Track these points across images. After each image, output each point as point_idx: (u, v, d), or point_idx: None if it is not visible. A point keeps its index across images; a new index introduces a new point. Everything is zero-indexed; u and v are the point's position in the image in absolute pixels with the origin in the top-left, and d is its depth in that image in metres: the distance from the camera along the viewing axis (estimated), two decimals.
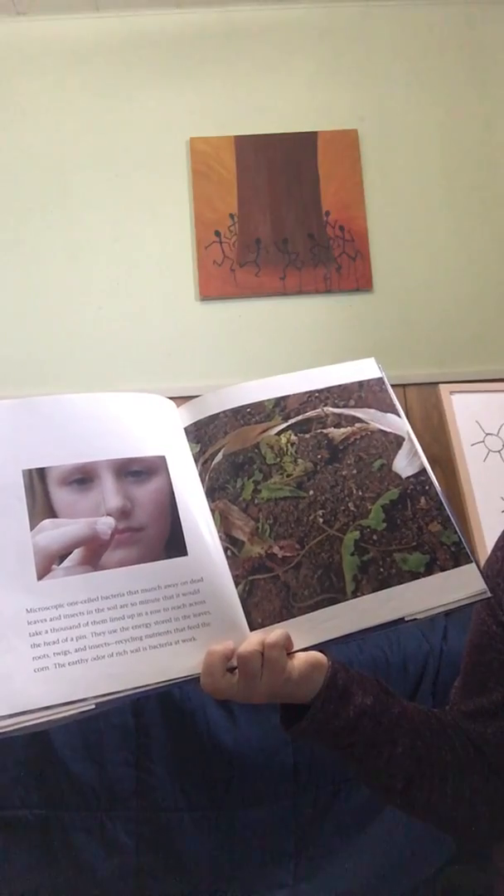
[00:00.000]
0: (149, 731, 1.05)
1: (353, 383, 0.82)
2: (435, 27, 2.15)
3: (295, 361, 1.91)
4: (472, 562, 0.71)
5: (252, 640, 0.66)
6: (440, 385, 1.81)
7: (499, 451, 1.73)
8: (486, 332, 2.05)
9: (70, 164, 2.07)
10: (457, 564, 0.71)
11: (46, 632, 0.64)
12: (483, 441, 1.74)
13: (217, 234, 2.04)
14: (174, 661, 0.66)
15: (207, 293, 2.03)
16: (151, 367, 2.01)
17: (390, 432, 0.78)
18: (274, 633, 0.67)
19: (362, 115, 2.12)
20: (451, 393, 1.80)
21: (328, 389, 0.81)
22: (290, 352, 2.01)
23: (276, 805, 1.05)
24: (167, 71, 2.12)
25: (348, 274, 2.05)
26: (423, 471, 0.76)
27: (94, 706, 0.63)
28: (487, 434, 1.75)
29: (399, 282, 2.06)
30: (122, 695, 0.64)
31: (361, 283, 2.05)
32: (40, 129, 2.08)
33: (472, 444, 1.73)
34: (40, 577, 0.66)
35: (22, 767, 1.03)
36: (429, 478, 0.76)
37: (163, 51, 2.12)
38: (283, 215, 2.06)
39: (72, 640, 0.64)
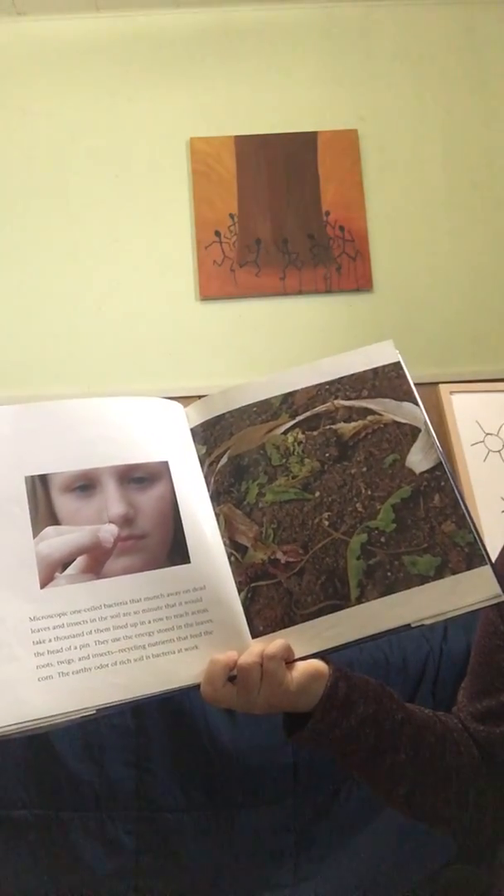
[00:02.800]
0: (149, 732, 1.04)
1: (366, 371, 0.77)
2: (435, 27, 2.15)
3: (295, 361, 1.89)
4: (486, 564, 0.67)
5: (252, 651, 0.66)
6: (440, 385, 1.81)
7: (499, 451, 1.73)
8: (486, 332, 2.05)
9: (70, 164, 2.07)
10: (470, 567, 0.67)
11: (50, 640, 0.64)
12: (483, 441, 1.74)
13: (217, 234, 2.04)
14: (176, 669, 0.66)
15: (207, 293, 2.03)
16: (151, 367, 2.01)
17: (405, 423, 0.74)
18: (273, 644, 0.66)
19: (362, 115, 2.11)
20: (451, 393, 1.80)
21: (339, 381, 0.77)
22: (290, 352, 2.01)
23: (276, 805, 1.05)
24: (167, 71, 2.11)
25: (348, 274, 2.05)
26: (438, 465, 0.72)
27: (94, 712, 0.63)
28: (487, 434, 1.75)
29: (399, 282, 2.06)
30: (123, 701, 0.64)
31: (361, 283, 2.05)
32: (40, 129, 2.08)
33: (472, 444, 1.73)
34: (43, 585, 0.66)
35: (22, 767, 1.03)
36: (445, 473, 0.71)
37: (163, 51, 2.12)
38: (283, 215, 2.06)
39: (75, 648, 0.64)
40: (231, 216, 2.05)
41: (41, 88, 2.09)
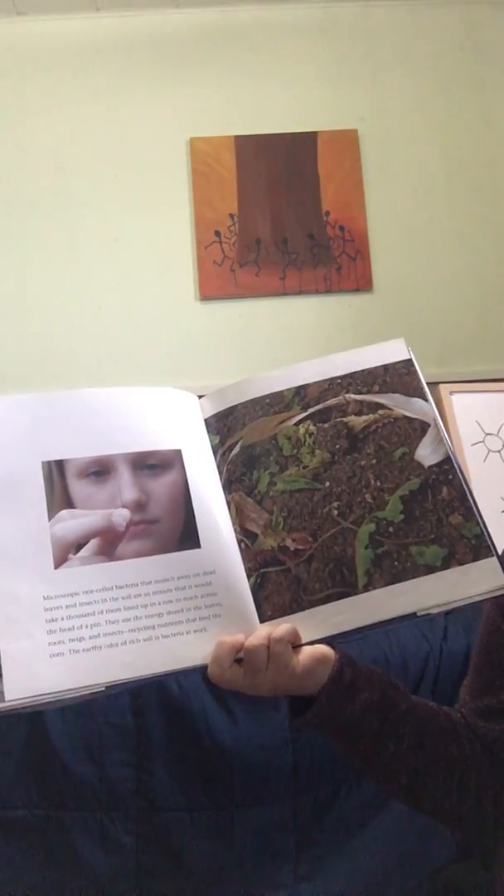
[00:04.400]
0: (149, 732, 1.04)
1: (377, 367, 0.78)
2: (435, 27, 2.16)
3: (295, 362, 1.91)
4: (493, 555, 0.68)
5: (259, 634, 0.67)
6: (440, 385, 1.81)
7: (499, 451, 1.73)
8: (486, 332, 2.05)
9: (70, 164, 2.07)
10: (476, 558, 0.68)
11: (62, 619, 0.66)
12: (483, 441, 1.74)
13: (217, 234, 2.04)
14: (185, 650, 0.67)
15: (207, 293, 2.03)
16: (151, 367, 2.01)
17: (415, 418, 0.75)
18: (280, 627, 0.67)
19: (362, 115, 2.12)
20: (451, 393, 1.80)
21: (351, 375, 0.78)
22: (290, 352, 2.01)
23: (276, 805, 1.05)
24: (167, 71, 2.12)
25: (348, 274, 2.05)
26: (447, 459, 0.73)
27: (103, 689, 0.65)
28: (487, 434, 1.75)
29: (399, 282, 2.06)
30: (132, 679, 0.65)
31: (361, 283, 2.05)
32: (40, 129, 2.08)
33: (472, 444, 1.73)
34: (57, 565, 0.68)
35: (22, 767, 1.03)
36: (453, 466, 0.72)
37: (163, 51, 2.13)
38: (283, 215, 2.06)
39: (86, 627, 0.66)
40: (231, 216, 2.05)
41: (41, 88, 2.10)
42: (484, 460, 1.72)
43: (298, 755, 1.05)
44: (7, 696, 0.62)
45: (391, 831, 1.07)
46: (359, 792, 1.07)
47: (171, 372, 2.01)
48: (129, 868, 1.03)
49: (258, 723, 1.05)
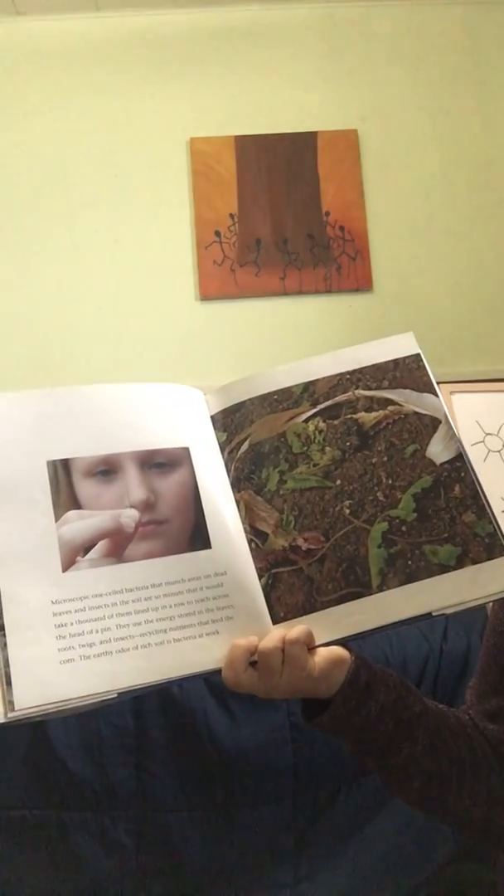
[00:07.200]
0: (149, 732, 1.04)
1: (387, 362, 0.77)
2: (435, 27, 2.16)
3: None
4: None
5: (273, 636, 0.66)
6: (440, 385, 1.81)
7: (499, 451, 1.73)
8: (487, 332, 2.05)
9: (70, 164, 2.07)
10: (490, 557, 0.67)
11: (72, 623, 0.64)
12: (483, 441, 1.74)
13: (217, 234, 2.04)
14: (197, 653, 0.66)
15: (207, 293, 2.03)
16: (151, 367, 2.01)
17: (426, 414, 0.74)
18: (295, 629, 0.66)
19: (362, 115, 2.12)
20: (452, 393, 1.79)
21: (360, 371, 0.77)
22: (291, 352, 2.01)
23: (276, 805, 1.05)
24: (167, 71, 2.12)
25: (348, 274, 2.05)
26: (458, 456, 0.72)
27: (116, 695, 0.63)
28: (487, 434, 1.75)
29: (399, 282, 2.06)
30: (145, 685, 0.64)
31: (361, 283, 2.05)
32: (40, 128, 2.08)
33: (472, 444, 1.72)
34: (65, 569, 0.66)
35: (22, 767, 1.03)
36: (465, 463, 0.72)
37: (163, 51, 2.13)
38: (283, 215, 2.06)
39: (97, 632, 0.64)
40: (231, 216, 2.05)
41: (41, 88, 2.10)
42: (484, 460, 1.71)
43: (298, 755, 1.05)
44: (17, 706, 0.60)
45: (391, 831, 1.07)
46: (359, 792, 1.07)
47: (171, 372, 2.01)
48: (129, 868, 1.03)
49: (258, 723, 1.05)
